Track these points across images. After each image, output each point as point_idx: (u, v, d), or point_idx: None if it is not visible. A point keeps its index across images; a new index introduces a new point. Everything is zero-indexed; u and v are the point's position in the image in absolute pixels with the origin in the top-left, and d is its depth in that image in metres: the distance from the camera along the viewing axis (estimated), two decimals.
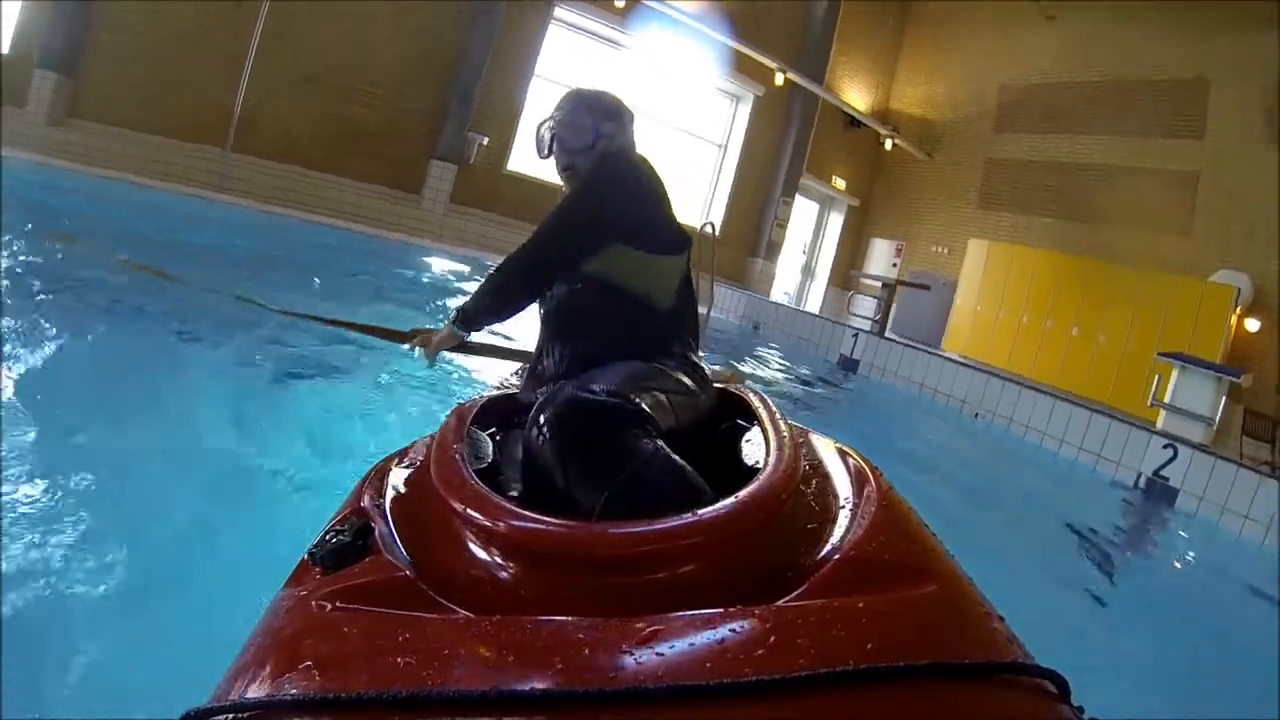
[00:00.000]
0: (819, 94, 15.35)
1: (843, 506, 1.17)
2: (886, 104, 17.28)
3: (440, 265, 9.99)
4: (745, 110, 15.27)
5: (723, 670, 0.77)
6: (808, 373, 9.94)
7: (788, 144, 15.55)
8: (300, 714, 0.75)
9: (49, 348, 3.51)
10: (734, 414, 1.65)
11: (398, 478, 1.32)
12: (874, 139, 16.86)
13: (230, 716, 0.77)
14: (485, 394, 1.75)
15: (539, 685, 0.76)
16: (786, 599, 0.93)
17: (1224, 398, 8.46)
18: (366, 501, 1.24)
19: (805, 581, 0.96)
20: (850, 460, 1.34)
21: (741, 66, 14.15)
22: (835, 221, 17.80)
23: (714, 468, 1.41)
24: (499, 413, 1.69)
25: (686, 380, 1.72)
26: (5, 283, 4.37)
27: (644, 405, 1.42)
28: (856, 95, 16.68)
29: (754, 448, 1.42)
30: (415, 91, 11.77)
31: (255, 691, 0.80)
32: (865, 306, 12.27)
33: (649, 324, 1.86)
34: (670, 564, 0.97)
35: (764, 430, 1.39)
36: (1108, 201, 12.96)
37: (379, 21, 11.28)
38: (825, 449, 1.39)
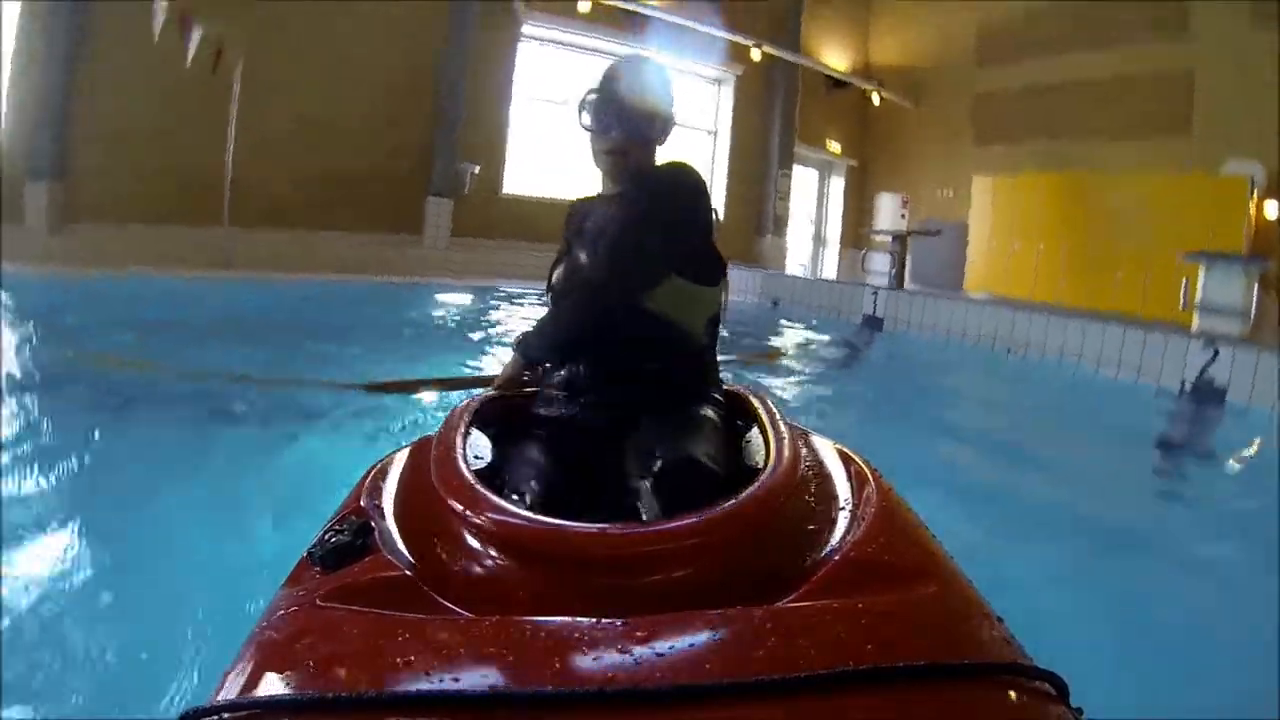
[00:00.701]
0: (798, 62, 15.27)
1: (842, 507, 1.17)
2: (866, 60, 17.13)
3: (455, 300, 10.05)
4: (728, 92, 15.23)
5: (723, 670, 0.78)
6: (833, 338, 9.90)
7: (776, 117, 15.48)
8: (299, 714, 0.75)
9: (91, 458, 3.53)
10: (734, 414, 1.65)
11: (397, 477, 1.32)
12: (860, 97, 16.73)
13: (229, 715, 0.77)
14: (485, 394, 1.75)
15: (539, 685, 0.77)
16: (786, 599, 0.94)
17: (1256, 288, 8.32)
18: (366, 501, 1.25)
19: (805, 582, 0.96)
20: (850, 461, 1.35)
21: (717, 48, 14.08)
22: (837, 185, 17.69)
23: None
24: (499, 413, 1.69)
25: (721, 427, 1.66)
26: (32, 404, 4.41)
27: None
28: (835, 56, 16.56)
29: (754, 448, 1.43)
30: (399, 132, 11.80)
31: (254, 691, 0.81)
32: (880, 263, 12.16)
33: (694, 359, 1.79)
34: (670, 564, 0.98)
35: (764, 431, 1.40)
36: (1104, 115, 12.75)
37: (351, 69, 11.38)
38: (825, 450, 1.40)
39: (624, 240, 1.76)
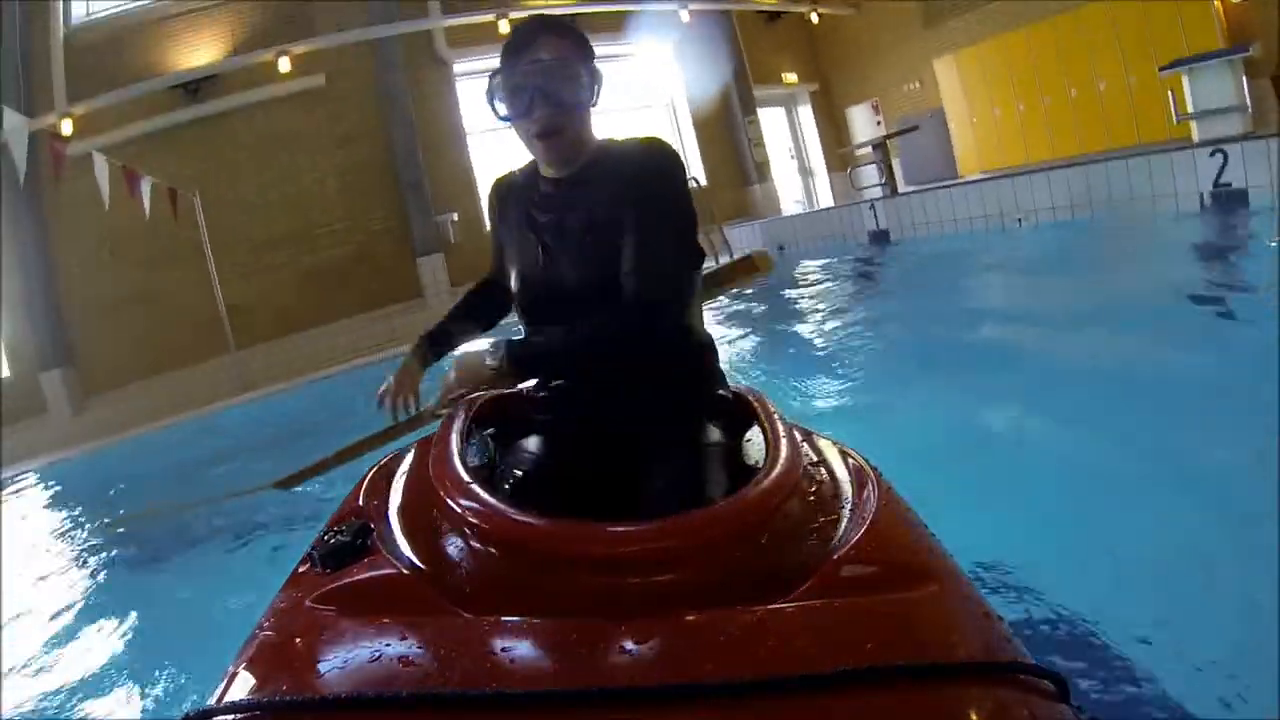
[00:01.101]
0: (727, 7, 15.11)
1: (843, 506, 1.16)
2: None
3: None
4: (671, 61, 15.11)
5: (723, 670, 0.77)
6: (845, 263, 9.82)
7: (726, 68, 15.33)
8: (300, 714, 0.76)
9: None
10: (734, 414, 1.63)
11: (397, 478, 1.32)
12: (800, 20, 16.49)
13: (230, 717, 0.77)
14: (485, 393, 1.74)
15: (539, 685, 0.78)
16: (787, 599, 0.93)
17: (1244, 78, 8.08)
18: (365, 501, 1.26)
19: (805, 581, 0.95)
20: (851, 460, 1.33)
21: (645, 23, 13.96)
22: (805, 114, 17.49)
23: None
24: (499, 413, 1.68)
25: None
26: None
27: None
28: None
29: (754, 448, 1.42)
30: (369, 207, 12.00)
31: (255, 692, 0.81)
32: (870, 176, 12.03)
33: (698, 357, 1.69)
34: (670, 564, 0.97)
35: (764, 430, 1.38)
36: None
37: (303, 164, 11.59)
38: (826, 449, 1.38)
39: (669, 233, 1.55)
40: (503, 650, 0.83)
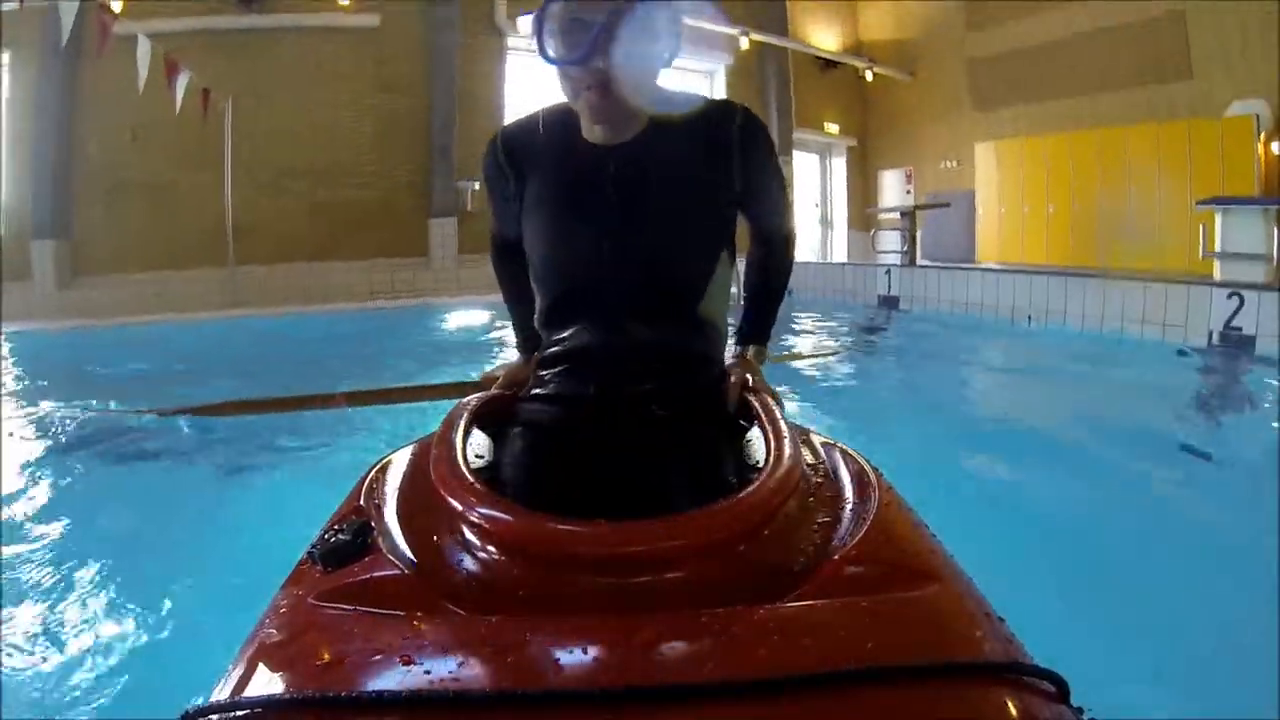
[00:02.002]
0: (787, 46, 15.21)
1: (843, 506, 1.17)
2: (856, 36, 17.06)
3: (468, 318, 10.06)
4: (720, 84, 15.18)
5: (723, 670, 0.78)
6: (850, 322, 9.86)
7: (770, 104, 15.42)
8: (299, 713, 0.75)
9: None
10: (735, 414, 1.62)
11: (397, 476, 1.31)
12: (854, 75, 16.66)
13: (229, 715, 0.76)
14: (485, 393, 1.72)
15: (539, 685, 0.77)
16: (787, 598, 0.93)
17: (1275, 230, 8.19)
18: (366, 500, 1.25)
19: (805, 581, 0.96)
20: (851, 460, 1.34)
21: (704, 40, 14.01)
22: (839, 166, 17.62)
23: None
24: (499, 412, 1.65)
25: None
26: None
27: None
28: (824, 36, 16.50)
29: (755, 448, 1.41)
30: (396, 160, 11.98)
31: (254, 690, 0.80)
32: (891, 241, 12.10)
33: (713, 360, 1.65)
34: (670, 563, 0.97)
35: (764, 430, 1.37)
36: (1101, 67, 12.64)
37: (343, 106, 11.58)
38: (826, 449, 1.39)
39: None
40: (502, 650, 0.83)
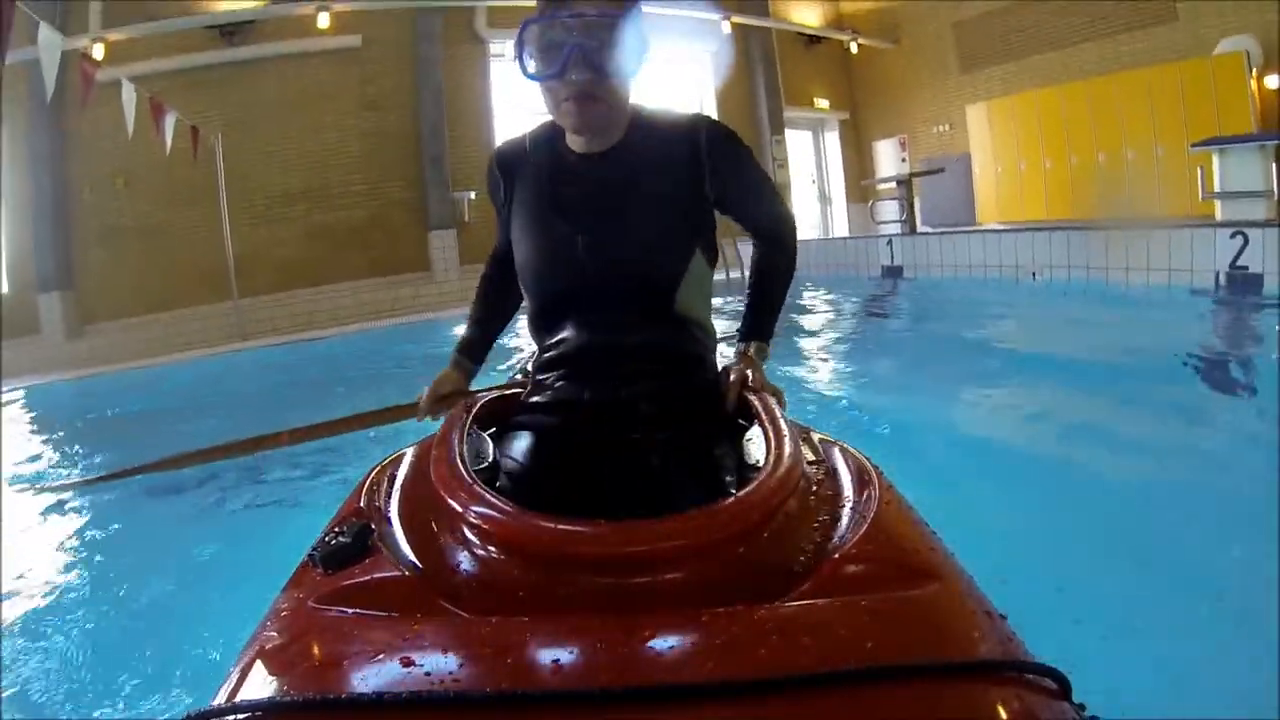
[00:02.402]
0: (770, 26, 15.16)
1: (843, 505, 1.16)
2: (837, 10, 16.95)
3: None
4: (707, 69, 15.14)
5: (723, 669, 0.78)
6: (855, 295, 9.83)
7: (759, 86, 15.37)
8: (301, 715, 0.76)
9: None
10: (734, 413, 1.62)
11: (398, 478, 1.32)
12: (839, 49, 16.59)
13: (231, 718, 0.77)
14: (485, 394, 1.73)
15: (539, 685, 0.77)
16: (787, 598, 0.93)
17: (1274, 165, 8.13)
18: (366, 502, 1.25)
19: (805, 580, 0.96)
20: (851, 459, 1.33)
21: (688, 29, 13.98)
22: (832, 141, 17.53)
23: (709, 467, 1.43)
24: (499, 413, 1.67)
25: None
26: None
27: None
28: (806, 13, 16.42)
29: (755, 447, 1.40)
30: (389, 176, 12.00)
31: (256, 693, 0.81)
32: (890, 211, 12.06)
33: (705, 358, 1.68)
34: (671, 563, 0.97)
35: (764, 429, 1.37)
36: (1085, 17, 12.53)
37: (329, 122, 11.60)
38: (826, 447, 1.38)
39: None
40: (503, 650, 0.83)
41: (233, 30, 10.92)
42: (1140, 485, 3.22)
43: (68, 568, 3.40)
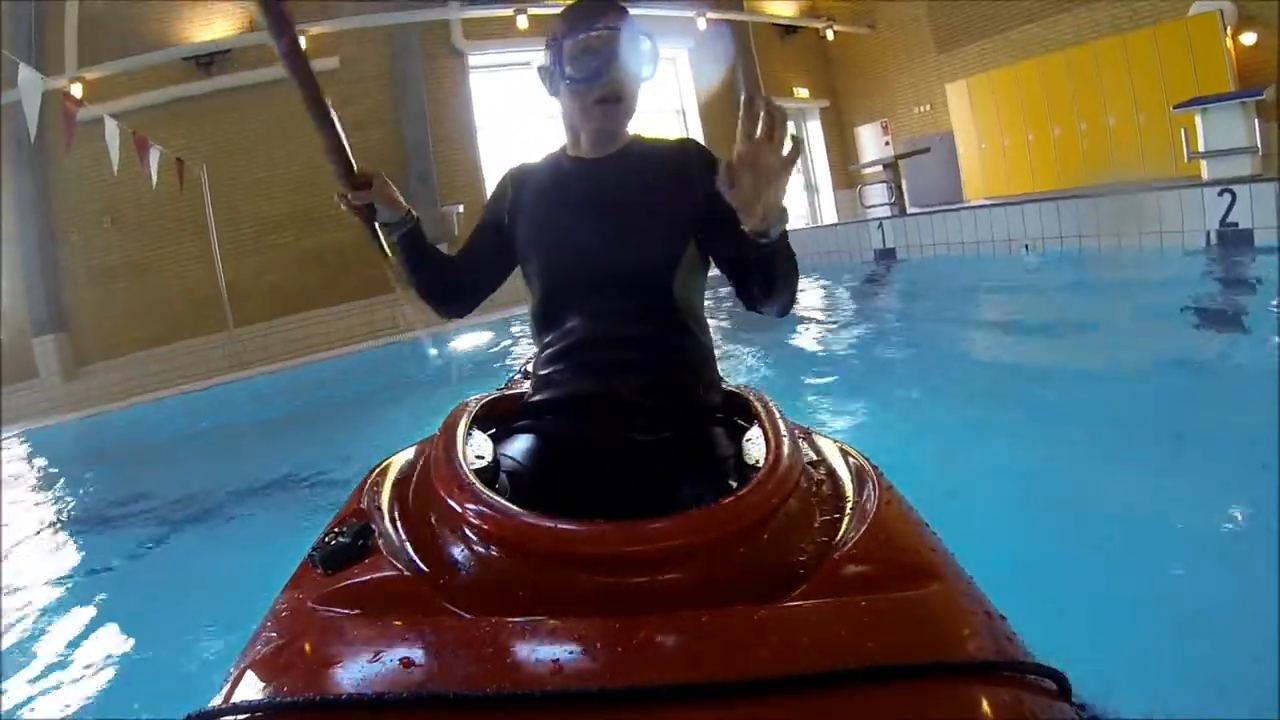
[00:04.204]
0: (745, 19, 15.18)
1: (843, 505, 1.16)
2: None
3: (469, 341, 10.07)
4: (685, 66, 15.15)
5: (723, 669, 0.78)
6: (849, 279, 9.85)
7: (738, 79, 15.36)
8: (301, 716, 0.76)
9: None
10: (734, 413, 1.63)
11: (398, 478, 1.32)
12: (815, 37, 16.58)
13: (231, 718, 0.77)
14: (485, 393, 1.72)
15: (540, 686, 0.77)
16: (787, 598, 0.93)
17: (1256, 121, 8.16)
18: (366, 503, 1.25)
19: (806, 580, 0.96)
20: (851, 459, 1.33)
21: (665, 27, 13.97)
22: (814, 129, 17.53)
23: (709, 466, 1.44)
24: (499, 413, 1.67)
25: None
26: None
27: None
28: (780, 3, 16.43)
29: (754, 446, 1.39)
30: None
31: (257, 693, 0.81)
32: (878, 195, 12.08)
33: (701, 354, 1.69)
34: (671, 563, 0.97)
35: (764, 429, 1.37)
36: None
37: (313, 145, 11.42)
38: (826, 448, 1.38)
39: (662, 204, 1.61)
40: (503, 651, 0.83)
41: (209, 60, 10.90)
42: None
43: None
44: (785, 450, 1.21)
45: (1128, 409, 3.69)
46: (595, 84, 1.59)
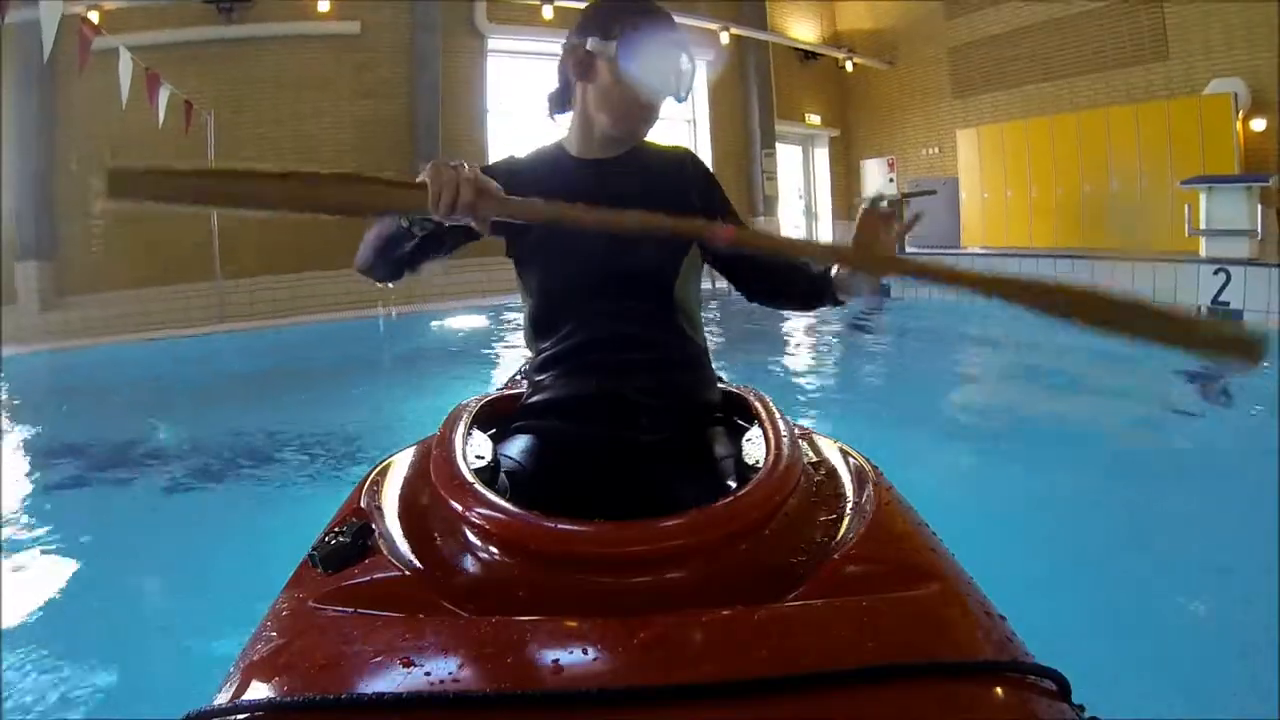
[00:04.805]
0: (767, 39, 15.24)
1: (843, 505, 1.17)
2: (835, 27, 17.09)
3: (462, 323, 10.03)
4: (700, 79, 15.16)
5: (723, 670, 0.78)
6: (841, 314, 9.87)
7: (752, 97, 15.44)
8: (301, 716, 0.76)
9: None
10: (734, 413, 1.63)
11: (398, 478, 1.31)
12: (833, 66, 16.69)
13: (231, 718, 0.77)
14: (485, 394, 1.72)
15: (539, 685, 0.77)
16: (787, 598, 0.93)
17: (1259, 206, 8.28)
18: (366, 502, 1.24)
19: (805, 581, 0.96)
20: (851, 459, 1.34)
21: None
22: (821, 157, 17.64)
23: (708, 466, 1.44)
24: (499, 413, 1.66)
25: None
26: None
27: None
28: (803, 28, 16.53)
29: (754, 446, 1.39)
30: (380, 166, 11.34)
31: (257, 693, 0.81)
32: None
33: (696, 352, 1.68)
34: (670, 563, 0.97)
35: (764, 429, 1.37)
36: (1079, 50, 12.73)
37: (326, 115, 11.51)
38: (826, 448, 1.39)
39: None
40: (503, 651, 0.83)
41: (230, 6, 10.81)
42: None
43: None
44: (785, 450, 1.22)
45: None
46: (669, 88, 1.57)
